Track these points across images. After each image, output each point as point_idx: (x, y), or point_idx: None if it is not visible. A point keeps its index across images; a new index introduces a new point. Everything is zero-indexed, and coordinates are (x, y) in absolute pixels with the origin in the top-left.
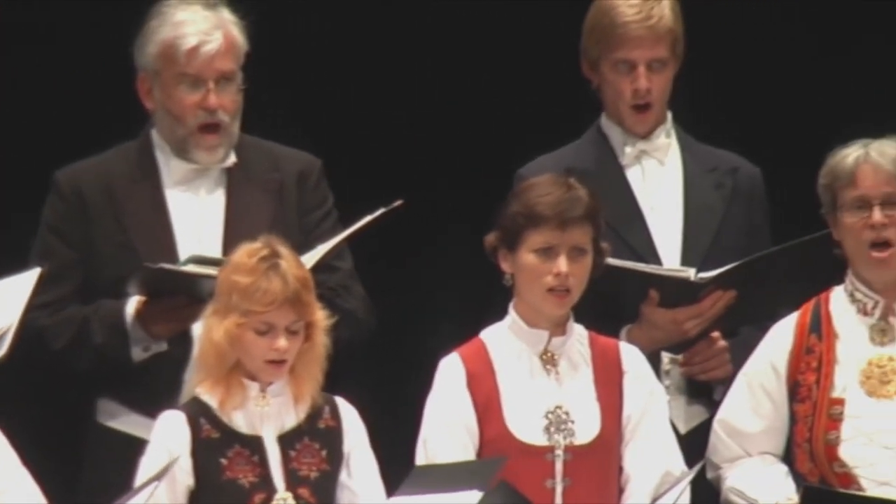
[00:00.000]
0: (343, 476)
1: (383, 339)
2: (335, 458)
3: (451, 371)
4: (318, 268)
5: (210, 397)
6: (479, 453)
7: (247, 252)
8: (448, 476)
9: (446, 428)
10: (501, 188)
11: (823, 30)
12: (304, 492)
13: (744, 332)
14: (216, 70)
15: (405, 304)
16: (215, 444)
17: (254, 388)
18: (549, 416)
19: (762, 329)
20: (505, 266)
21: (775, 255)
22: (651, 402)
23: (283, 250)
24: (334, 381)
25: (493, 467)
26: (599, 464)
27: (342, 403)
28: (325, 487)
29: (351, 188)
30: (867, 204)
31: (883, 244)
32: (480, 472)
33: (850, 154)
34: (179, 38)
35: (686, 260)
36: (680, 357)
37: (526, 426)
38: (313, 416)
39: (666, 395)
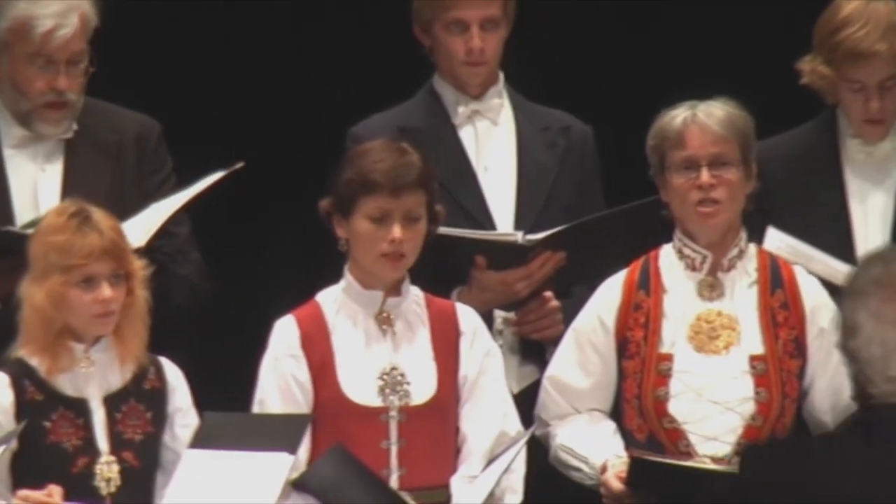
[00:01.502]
0: (167, 437)
1: (220, 302)
2: (160, 419)
3: (285, 333)
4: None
5: (36, 361)
6: (314, 415)
7: (55, 212)
8: (248, 429)
9: (280, 389)
10: (335, 148)
11: None
12: (128, 455)
13: (577, 292)
14: (69, 52)
15: (242, 267)
16: (39, 406)
17: (79, 349)
18: (384, 377)
19: (593, 289)
20: (340, 231)
21: (604, 218)
22: (487, 362)
23: (90, 206)
24: (168, 344)
25: (299, 425)
26: (435, 425)
27: (166, 363)
28: (149, 450)
29: (186, 151)
30: (695, 164)
31: (712, 201)
32: (287, 432)
33: (678, 115)
34: (35, 18)
35: (520, 219)
36: (513, 316)
37: (360, 388)
38: (139, 376)
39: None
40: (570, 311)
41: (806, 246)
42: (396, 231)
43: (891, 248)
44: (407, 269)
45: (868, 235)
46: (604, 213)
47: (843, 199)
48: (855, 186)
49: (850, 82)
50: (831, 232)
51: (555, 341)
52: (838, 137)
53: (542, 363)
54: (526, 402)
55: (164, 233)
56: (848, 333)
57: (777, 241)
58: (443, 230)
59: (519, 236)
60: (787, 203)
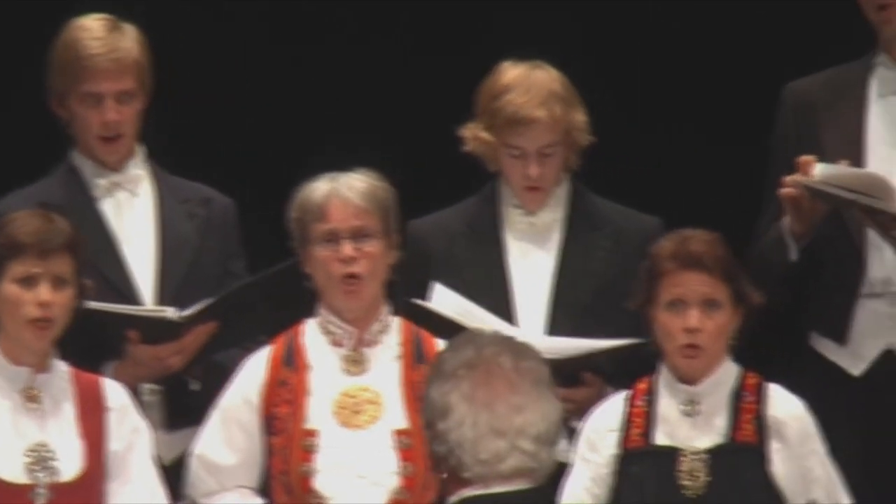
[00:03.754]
0: None
1: None
2: None
3: None
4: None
5: None
6: None
7: None
8: None
9: None
10: None
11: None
12: None
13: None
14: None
15: None
16: None
17: None
18: (31, 453)
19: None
20: None
21: (247, 286)
22: (135, 439)
23: None
24: None
25: None
26: (83, 502)
27: None
28: None
29: None
30: (336, 237)
31: (353, 277)
32: None
33: (319, 188)
34: None
35: (163, 290)
36: (158, 387)
37: (7, 464)
38: None
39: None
40: None
41: (469, 303)
42: (44, 293)
43: (481, 331)
44: (55, 337)
45: (528, 296)
46: (247, 282)
47: (503, 263)
48: (517, 251)
49: (511, 148)
50: (492, 293)
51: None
52: (500, 206)
53: (193, 433)
54: (177, 474)
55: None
56: (438, 415)
57: (443, 296)
58: (94, 304)
59: (170, 312)
60: (450, 275)
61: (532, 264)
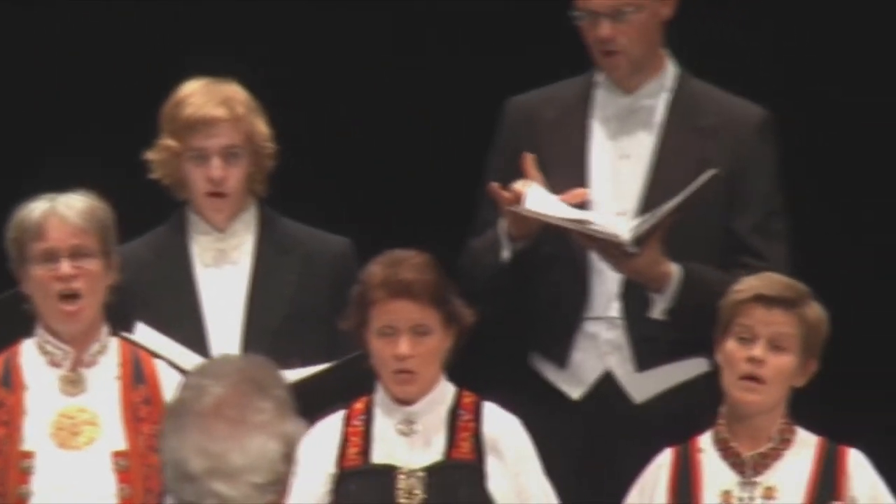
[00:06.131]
0: None
1: None
2: None
3: None
4: None
5: None
6: None
7: None
8: None
9: None
10: None
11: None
12: None
13: None
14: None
15: None
16: None
17: None
18: None
19: None
20: None
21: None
22: None
23: None
24: None
25: None
26: None
27: None
28: None
29: None
30: (55, 256)
31: (72, 296)
32: None
33: (37, 208)
34: None
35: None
36: None
37: None
38: None
39: None
40: None
41: (166, 339)
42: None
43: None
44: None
45: (220, 324)
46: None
47: (194, 291)
48: (207, 278)
49: (193, 151)
50: (185, 322)
51: None
52: (189, 234)
53: None
54: None
55: None
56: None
57: (144, 333)
58: None
59: None
60: (143, 306)
61: (223, 291)
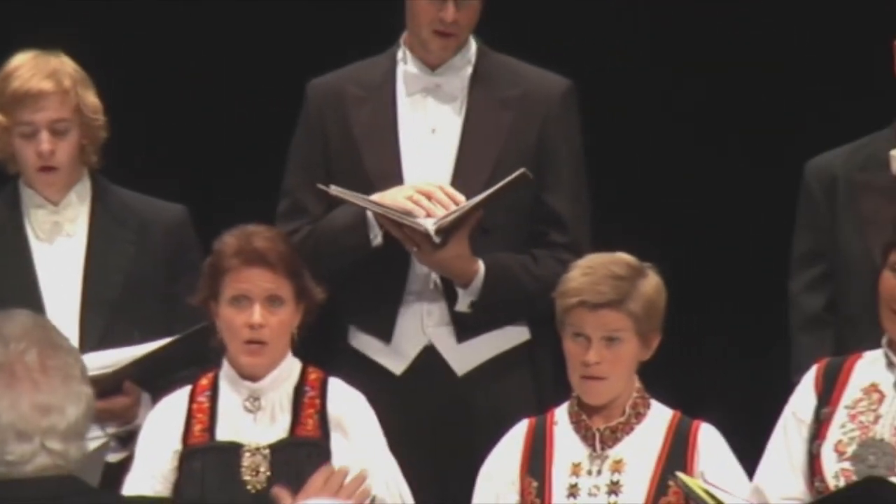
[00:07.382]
0: None
1: None
2: None
3: None
4: None
5: None
6: None
7: None
8: None
9: None
10: None
11: None
12: None
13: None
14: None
15: None
16: None
17: None
18: None
19: None
20: None
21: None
22: None
23: None
24: None
25: None
26: None
27: None
28: None
29: None
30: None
31: None
32: None
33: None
34: None
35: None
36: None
37: None
38: None
39: None
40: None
41: None
42: None
43: (10, 320)
44: None
45: (58, 298)
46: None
47: (31, 266)
48: (43, 253)
49: (22, 126)
50: (22, 298)
51: None
52: (22, 208)
53: None
54: None
55: None
56: None
57: None
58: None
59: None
60: None
61: (59, 265)
